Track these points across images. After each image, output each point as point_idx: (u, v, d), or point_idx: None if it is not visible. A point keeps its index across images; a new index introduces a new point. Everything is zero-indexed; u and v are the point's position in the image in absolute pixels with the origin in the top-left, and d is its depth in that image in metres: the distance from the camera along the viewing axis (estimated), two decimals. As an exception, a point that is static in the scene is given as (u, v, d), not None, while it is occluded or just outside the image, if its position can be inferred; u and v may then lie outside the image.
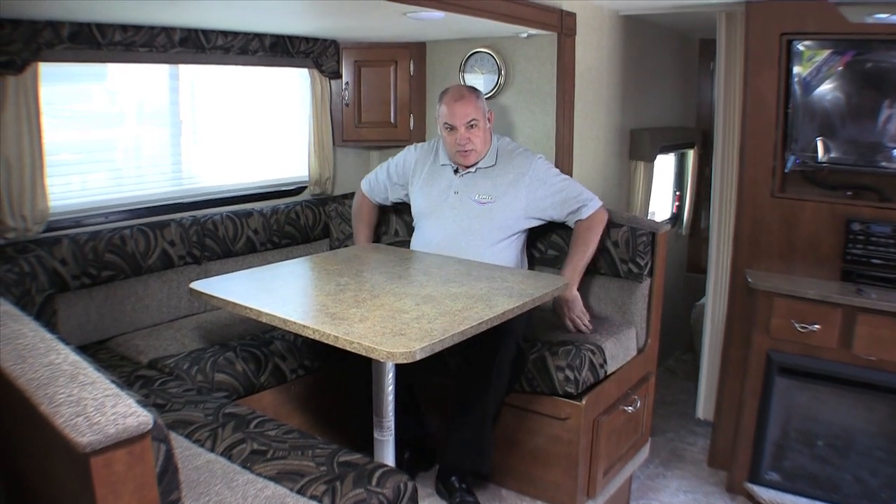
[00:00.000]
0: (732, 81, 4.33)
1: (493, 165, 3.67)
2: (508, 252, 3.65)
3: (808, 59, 3.66)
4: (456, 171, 3.70)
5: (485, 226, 3.60)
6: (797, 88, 3.69)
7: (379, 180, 4.03)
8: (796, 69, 3.68)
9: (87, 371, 1.70)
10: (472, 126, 3.56)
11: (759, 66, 3.77)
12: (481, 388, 3.17)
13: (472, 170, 3.67)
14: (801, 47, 3.65)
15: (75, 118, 3.68)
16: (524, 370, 3.31)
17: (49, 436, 1.54)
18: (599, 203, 3.63)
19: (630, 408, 3.55)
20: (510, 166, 3.65)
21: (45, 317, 3.11)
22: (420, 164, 3.85)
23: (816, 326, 3.56)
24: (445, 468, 3.32)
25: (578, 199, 3.60)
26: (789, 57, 3.69)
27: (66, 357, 1.77)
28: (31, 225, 3.23)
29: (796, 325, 3.61)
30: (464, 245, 3.58)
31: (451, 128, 3.58)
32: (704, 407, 4.76)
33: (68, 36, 3.21)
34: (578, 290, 3.59)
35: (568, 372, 3.20)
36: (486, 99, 4.06)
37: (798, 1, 3.59)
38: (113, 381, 1.68)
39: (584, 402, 3.22)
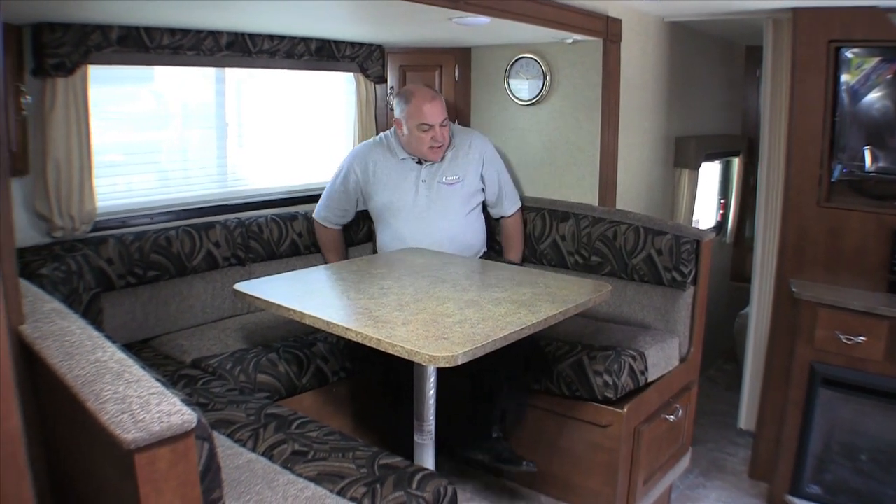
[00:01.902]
0: (779, 89, 4.28)
1: (454, 152, 4.01)
2: (478, 222, 4.11)
3: (857, 67, 3.60)
4: (419, 162, 3.98)
5: (455, 202, 3.98)
6: (845, 96, 3.64)
7: (333, 204, 4.07)
8: (844, 77, 3.63)
9: (133, 369, 1.71)
10: (443, 125, 3.88)
11: (806, 74, 3.72)
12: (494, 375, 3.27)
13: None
14: (849, 55, 3.60)
15: (122, 120, 3.72)
16: (541, 362, 3.37)
17: (94, 432, 1.55)
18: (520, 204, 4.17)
19: (671, 417, 3.52)
20: (466, 145, 4.05)
21: (92, 315, 3.14)
22: (379, 166, 3.99)
23: (862, 338, 3.49)
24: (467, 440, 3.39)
25: (512, 193, 4.18)
26: (837, 64, 3.63)
27: (113, 355, 1.78)
28: (78, 224, 3.27)
29: (841, 337, 3.54)
30: (441, 225, 3.92)
31: (429, 127, 3.84)
32: (746, 417, 4.70)
33: (117, 39, 3.25)
34: (620, 297, 3.70)
35: (606, 377, 3.19)
36: (531, 104, 4.36)
37: (847, 8, 3.53)
38: (158, 380, 1.70)
39: (625, 410, 3.20)
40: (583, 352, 3.32)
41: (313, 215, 4.11)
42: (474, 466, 3.38)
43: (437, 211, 3.94)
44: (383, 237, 4.03)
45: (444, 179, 3.97)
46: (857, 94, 3.62)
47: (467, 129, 4.24)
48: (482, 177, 4.08)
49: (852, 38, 3.57)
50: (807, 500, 3.77)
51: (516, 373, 3.38)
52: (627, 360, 3.27)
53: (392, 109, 4.49)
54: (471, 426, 3.39)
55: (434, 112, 3.83)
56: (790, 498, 3.82)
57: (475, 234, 4.10)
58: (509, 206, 4.16)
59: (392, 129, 4.04)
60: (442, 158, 3.97)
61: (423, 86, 4.05)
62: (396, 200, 3.94)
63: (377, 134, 4.36)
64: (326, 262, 4.06)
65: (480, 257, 4.10)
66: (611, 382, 3.18)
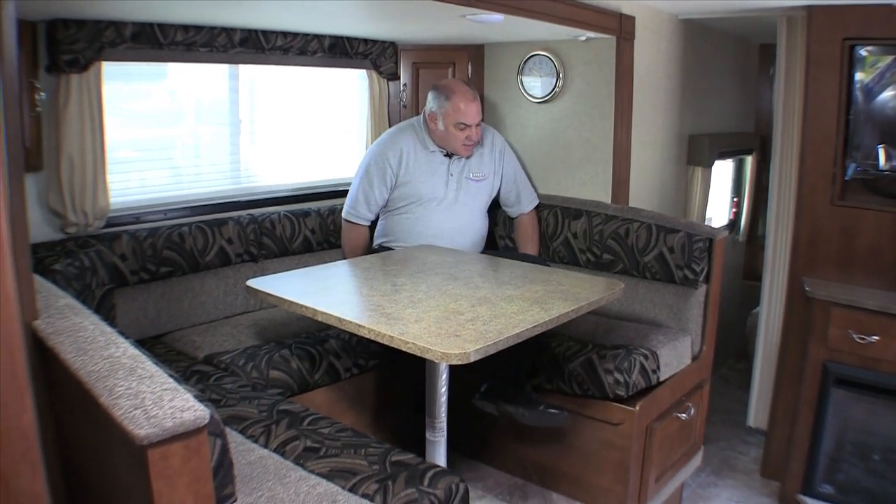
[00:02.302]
0: (793, 87, 4.26)
1: (480, 150, 4.07)
2: (487, 219, 4.18)
3: (871, 65, 3.58)
4: (447, 156, 3.99)
5: (480, 199, 4.08)
6: (859, 95, 3.62)
7: (372, 199, 3.97)
8: (858, 75, 3.60)
9: (146, 365, 1.72)
10: (478, 125, 3.93)
11: (820, 72, 3.69)
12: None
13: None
14: (863, 53, 3.58)
15: (136, 116, 3.73)
16: (552, 362, 3.39)
17: (107, 427, 1.55)
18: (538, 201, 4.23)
19: (683, 415, 3.51)
20: (490, 142, 4.13)
21: (105, 311, 3.14)
22: (411, 157, 3.96)
23: (875, 338, 3.47)
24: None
25: (530, 190, 4.26)
26: (851, 62, 3.61)
27: (126, 350, 1.79)
28: (91, 220, 3.28)
29: (854, 336, 3.53)
30: (465, 219, 4.01)
31: (465, 126, 3.86)
32: (758, 416, 4.69)
33: (131, 36, 3.26)
34: (632, 295, 3.74)
35: (617, 374, 3.19)
36: (544, 102, 4.38)
37: (861, 6, 3.51)
38: (171, 376, 1.70)
39: (637, 408, 3.20)
40: (593, 350, 3.32)
41: (343, 216, 4.05)
42: (501, 412, 3.36)
43: (462, 205, 4.00)
44: (400, 225, 3.99)
45: (471, 175, 4.03)
46: (871, 92, 3.60)
47: (487, 126, 4.26)
48: (502, 175, 4.15)
49: (867, 35, 3.55)
50: (819, 500, 3.76)
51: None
52: (638, 359, 3.26)
53: (405, 106, 4.51)
54: (503, 381, 3.39)
55: (473, 112, 3.86)
56: (802, 497, 3.80)
57: (485, 230, 4.18)
58: (527, 204, 4.20)
59: (421, 119, 4.02)
60: (470, 156, 4.01)
61: (462, 83, 4.03)
62: (428, 191, 3.94)
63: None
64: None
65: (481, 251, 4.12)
66: (622, 380, 3.18)
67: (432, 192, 3.94)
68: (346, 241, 4.09)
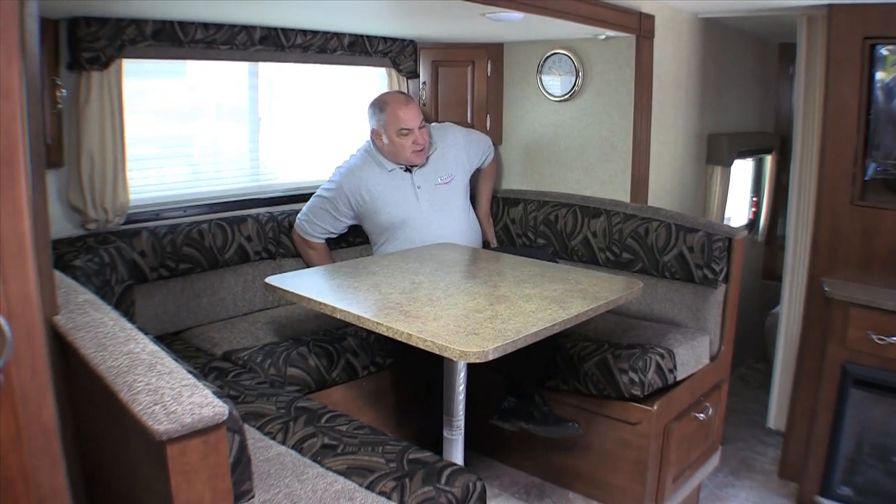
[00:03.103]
0: (812, 86, 4.24)
1: (436, 152, 4.04)
2: (472, 213, 4.18)
3: (892, 64, 3.55)
4: (407, 170, 3.95)
5: (456, 200, 4.04)
6: (879, 94, 3.59)
7: (317, 220, 3.94)
8: (879, 74, 3.58)
9: (165, 361, 1.72)
10: (421, 127, 3.89)
11: (840, 71, 3.67)
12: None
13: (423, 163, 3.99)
14: (884, 52, 3.55)
15: (156, 114, 3.75)
16: (567, 362, 3.38)
17: (127, 423, 1.56)
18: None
19: (702, 415, 3.49)
20: (445, 142, 4.10)
21: (124, 307, 3.16)
22: (373, 185, 3.90)
23: (895, 339, 3.46)
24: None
25: (485, 147, 4.33)
26: (872, 62, 3.58)
27: (145, 346, 1.80)
28: (111, 217, 3.30)
29: (874, 337, 3.49)
30: (448, 224, 3.96)
31: (409, 131, 3.83)
32: (776, 417, 4.67)
33: (151, 33, 3.28)
34: (651, 295, 3.75)
35: (632, 374, 3.17)
36: (563, 101, 4.37)
37: (882, 4, 3.49)
38: (190, 372, 1.71)
39: (655, 408, 3.18)
40: (608, 350, 3.31)
41: (295, 226, 3.98)
42: (518, 428, 3.36)
43: (441, 213, 3.96)
44: (390, 250, 3.91)
45: (439, 181, 3.99)
46: (892, 91, 3.57)
47: (439, 125, 4.26)
48: (468, 164, 4.20)
49: (887, 34, 3.52)
50: (837, 502, 3.73)
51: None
52: (654, 358, 3.24)
53: (424, 105, 4.51)
54: (512, 395, 3.40)
55: (410, 116, 3.83)
56: (820, 499, 3.78)
57: (476, 229, 4.19)
58: (492, 156, 4.39)
59: (370, 143, 4.00)
60: (427, 161, 3.98)
61: (394, 92, 4.10)
62: (400, 213, 3.89)
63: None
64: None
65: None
66: (637, 380, 3.17)
67: (405, 211, 3.89)
68: (303, 256, 4.04)
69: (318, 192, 3.96)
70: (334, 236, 4.04)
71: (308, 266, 3.91)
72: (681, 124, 4.65)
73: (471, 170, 4.21)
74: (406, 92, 4.20)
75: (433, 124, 4.23)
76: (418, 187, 3.93)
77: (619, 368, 3.20)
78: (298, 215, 3.97)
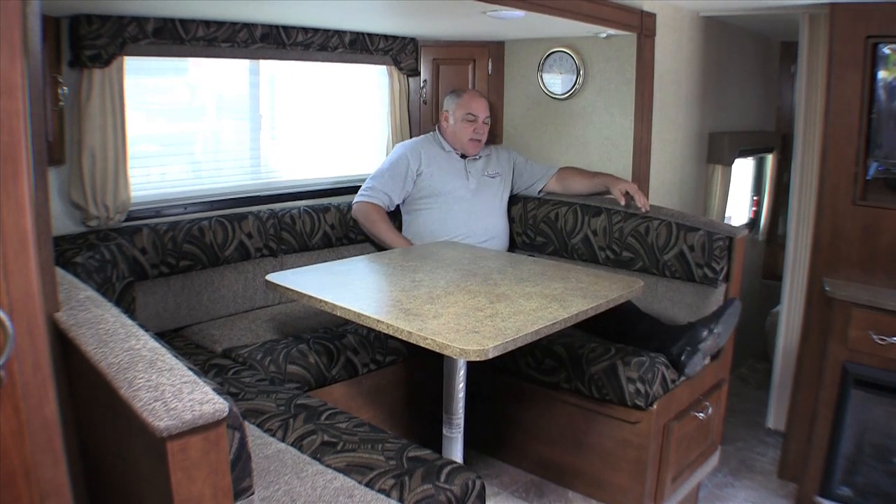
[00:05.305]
0: (814, 85, 4.24)
1: (488, 154, 4.32)
2: (506, 219, 4.33)
3: (895, 63, 3.56)
4: (462, 157, 4.23)
5: (498, 196, 4.26)
6: (882, 93, 3.59)
7: (391, 186, 4.12)
8: (881, 73, 3.57)
9: (166, 357, 1.73)
10: (485, 122, 4.21)
11: (842, 70, 3.67)
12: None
13: (476, 156, 4.25)
14: (886, 51, 3.54)
15: (157, 111, 3.75)
16: (576, 362, 3.38)
17: (127, 419, 1.56)
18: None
19: (701, 414, 3.49)
20: (499, 153, 4.38)
21: (125, 303, 3.17)
22: (429, 155, 4.19)
23: (896, 339, 3.47)
24: None
25: (545, 166, 4.34)
26: (874, 61, 3.58)
27: (146, 343, 1.80)
28: (112, 214, 3.31)
29: (875, 338, 3.50)
30: (485, 216, 4.16)
31: (474, 119, 4.16)
32: (776, 417, 4.67)
33: (153, 31, 3.29)
34: (651, 294, 3.74)
35: (639, 385, 3.15)
36: (564, 99, 4.41)
37: (885, 3, 3.48)
38: (190, 369, 1.71)
39: (655, 407, 3.18)
40: (616, 356, 3.28)
41: (356, 199, 4.13)
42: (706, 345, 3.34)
43: (483, 196, 4.19)
44: (423, 221, 4.13)
45: (487, 173, 4.24)
46: (894, 90, 3.56)
47: (494, 146, 4.48)
48: (513, 170, 4.34)
49: (890, 33, 3.52)
50: (837, 502, 3.73)
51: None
52: (661, 369, 3.22)
53: (425, 102, 4.54)
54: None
55: (479, 107, 4.18)
56: (819, 499, 3.78)
57: (507, 232, 4.32)
58: (549, 170, 4.30)
59: (436, 128, 4.32)
60: (479, 157, 4.24)
61: (473, 89, 4.43)
62: (451, 181, 4.14)
63: (409, 126, 4.50)
64: (387, 236, 4.04)
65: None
66: (642, 391, 3.14)
67: (452, 185, 4.09)
68: (366, 220, 4.12)
69: (378, 168, 4.21)
70: (391, 209, 4.16)
71: (380, 239, 4.08)
72: (682, 123, 4.65)
73: (510, 184, 4.34)
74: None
75: (500, 145, 4.61)
76: (469, 172, 4.21)
77: (627, 377, 3.18)
78: (357, 194, 4.17)
